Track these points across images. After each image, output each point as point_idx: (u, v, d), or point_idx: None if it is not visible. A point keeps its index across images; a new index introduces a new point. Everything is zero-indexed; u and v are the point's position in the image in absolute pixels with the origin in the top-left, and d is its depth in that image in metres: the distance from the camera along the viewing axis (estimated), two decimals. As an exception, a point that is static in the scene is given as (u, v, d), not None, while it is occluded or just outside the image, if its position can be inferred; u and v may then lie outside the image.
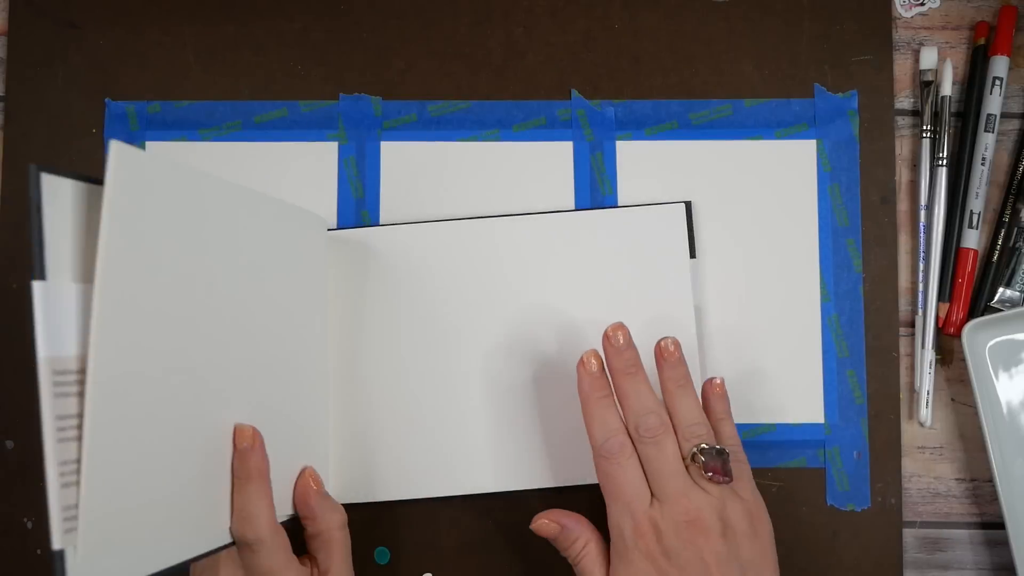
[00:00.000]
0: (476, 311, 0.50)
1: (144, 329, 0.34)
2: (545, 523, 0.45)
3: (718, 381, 0.46)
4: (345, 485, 0.49)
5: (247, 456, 0.40)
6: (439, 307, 0.50)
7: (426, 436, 0.49)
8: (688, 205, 0.51)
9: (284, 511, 0.43)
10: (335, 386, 0.49)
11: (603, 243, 0.50)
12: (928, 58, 0.51)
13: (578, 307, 0.50)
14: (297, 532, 0.45)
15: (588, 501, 0.49)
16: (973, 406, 0.49)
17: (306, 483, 0.44)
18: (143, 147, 0.52)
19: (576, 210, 0.51)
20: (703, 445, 0.42)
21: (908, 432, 0.51)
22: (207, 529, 0.39)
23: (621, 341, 0.44)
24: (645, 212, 0.50)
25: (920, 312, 0.51)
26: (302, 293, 0.46)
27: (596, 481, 0.44)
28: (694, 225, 0.51)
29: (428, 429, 0.49)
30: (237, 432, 0.40)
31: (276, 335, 0.43)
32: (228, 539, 0.40)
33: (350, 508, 0.48)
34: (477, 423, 0.49)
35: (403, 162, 0.52)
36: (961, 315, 0.50)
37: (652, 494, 0.42)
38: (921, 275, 0.51)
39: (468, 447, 0.49)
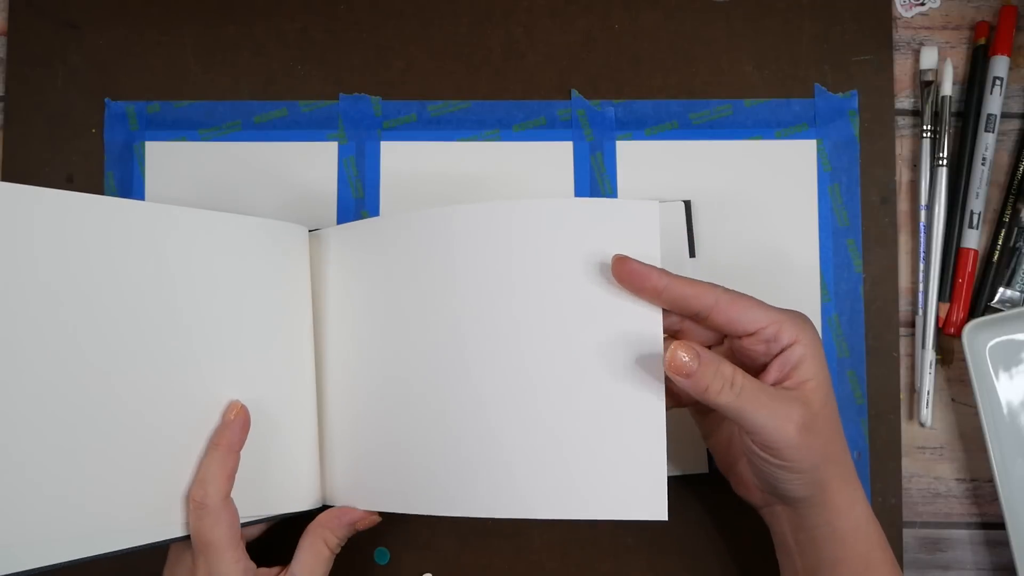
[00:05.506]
0: (470, 314, 0.42)
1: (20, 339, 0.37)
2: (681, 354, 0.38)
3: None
4: (348, 490, 0.45)
5: (224, 427, 0.42)
6: (431, 308, 0.43)
7: (425, 445, 0.43)
8: (688, 204, 0.50)
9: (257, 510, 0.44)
10: (334, 392, 0.46)
11: (580, 238, 0.42)
12: (928, 58, 0.51)
13: (573, 306, 0.42)
14: (271, 541, 0.46)
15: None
16: (973, 406, 0.49)
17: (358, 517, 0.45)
18: (143, 147, 0.52)
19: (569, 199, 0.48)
20: None
21: (908, 432, 0.51)
22: (159, 519, 0.40)
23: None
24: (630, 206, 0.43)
25: (920, 312, 0.51)
26: (272, 304, 0.45)
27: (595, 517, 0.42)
28: (694, 225, 0.51)
29: (426, 438, 0.43)
30: (228, 405, 0.43)
31: (228, 343, 0.43)
32: (183, 531, 0.41)
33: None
34: (478, 436, 0.42)
35: (403, 162, 0.52)
36: (961, 315, 0.50)
37: None
38: (921, 275, 0.51)
39: (467, 461, 0.42)
